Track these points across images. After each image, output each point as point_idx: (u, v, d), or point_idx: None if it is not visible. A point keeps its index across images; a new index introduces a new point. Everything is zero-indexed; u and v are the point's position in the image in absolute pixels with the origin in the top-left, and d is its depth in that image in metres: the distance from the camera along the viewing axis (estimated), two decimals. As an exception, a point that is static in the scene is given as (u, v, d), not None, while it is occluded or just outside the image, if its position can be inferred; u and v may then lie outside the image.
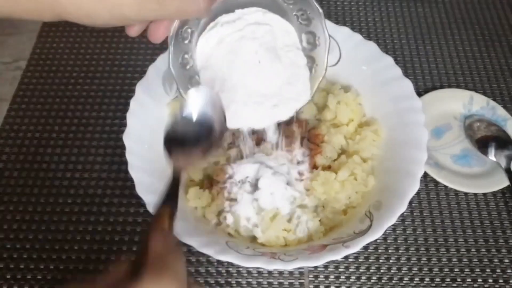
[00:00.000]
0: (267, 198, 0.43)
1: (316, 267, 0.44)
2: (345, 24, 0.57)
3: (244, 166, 0.44)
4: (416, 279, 0.44)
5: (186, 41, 0.38)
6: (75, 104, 0.55)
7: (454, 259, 0.45)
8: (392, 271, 0.44)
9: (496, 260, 0.45)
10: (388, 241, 0.46)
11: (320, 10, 0.38)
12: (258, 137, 0.45)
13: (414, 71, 0.58)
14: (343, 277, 0.44)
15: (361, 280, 0.44)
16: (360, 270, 0.44)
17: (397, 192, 0.41)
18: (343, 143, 0.47)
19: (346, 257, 0.45)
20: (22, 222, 0.46)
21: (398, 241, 0.46)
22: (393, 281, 0.44)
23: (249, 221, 0.42)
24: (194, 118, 0.34)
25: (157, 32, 0.31)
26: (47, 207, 0.47)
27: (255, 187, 0.44)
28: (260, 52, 0.38)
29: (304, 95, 0.40)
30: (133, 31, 0.31)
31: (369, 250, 0.45)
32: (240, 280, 0.44)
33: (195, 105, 0.34)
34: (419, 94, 0.54)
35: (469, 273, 0.44)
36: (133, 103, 0.44)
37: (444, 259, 0.45)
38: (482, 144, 0.51)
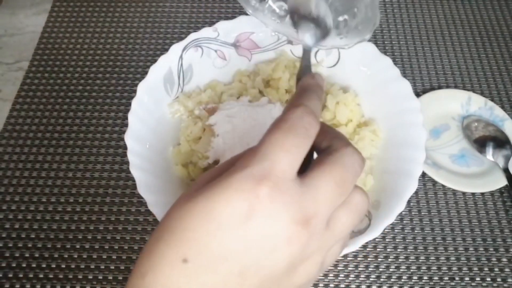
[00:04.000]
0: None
1: (315, 266, 0.44)
2: (344, 25, 0.57)
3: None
4: (415, 277, 0.44)
5: None
6: (77, 105, 0.55)
7: (452, 258, 0.45)
8: (390, 269, 0.45)
9: (494, 259, 0.45)
10: (387, 240, 0.46)
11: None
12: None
13: (412, 72, 0.58)
14: (342, 275, 0.44)
15: (360, 278, 0.44)
16: (359, 269, 0.45)
17: (395, 191, 0.41)
18: (342, 143, 0.47)
19: (345, 256, 0.45)
20: (24, 221, 0.47)
21: (397, 240, 0.46)
22: (392, 280, 0.44)
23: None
24: None
25: None
26: (49, 206, 0.48)
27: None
28: None
29: None
30: None
31: (367, 249, 0.46)
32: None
33: None
34: (418, 94, 0.55)
35: (467, 271, 0.45)
36: (134, 103, 0.44)
37: (442, 258, 0.45)
38: (480, 144, 0.51)
